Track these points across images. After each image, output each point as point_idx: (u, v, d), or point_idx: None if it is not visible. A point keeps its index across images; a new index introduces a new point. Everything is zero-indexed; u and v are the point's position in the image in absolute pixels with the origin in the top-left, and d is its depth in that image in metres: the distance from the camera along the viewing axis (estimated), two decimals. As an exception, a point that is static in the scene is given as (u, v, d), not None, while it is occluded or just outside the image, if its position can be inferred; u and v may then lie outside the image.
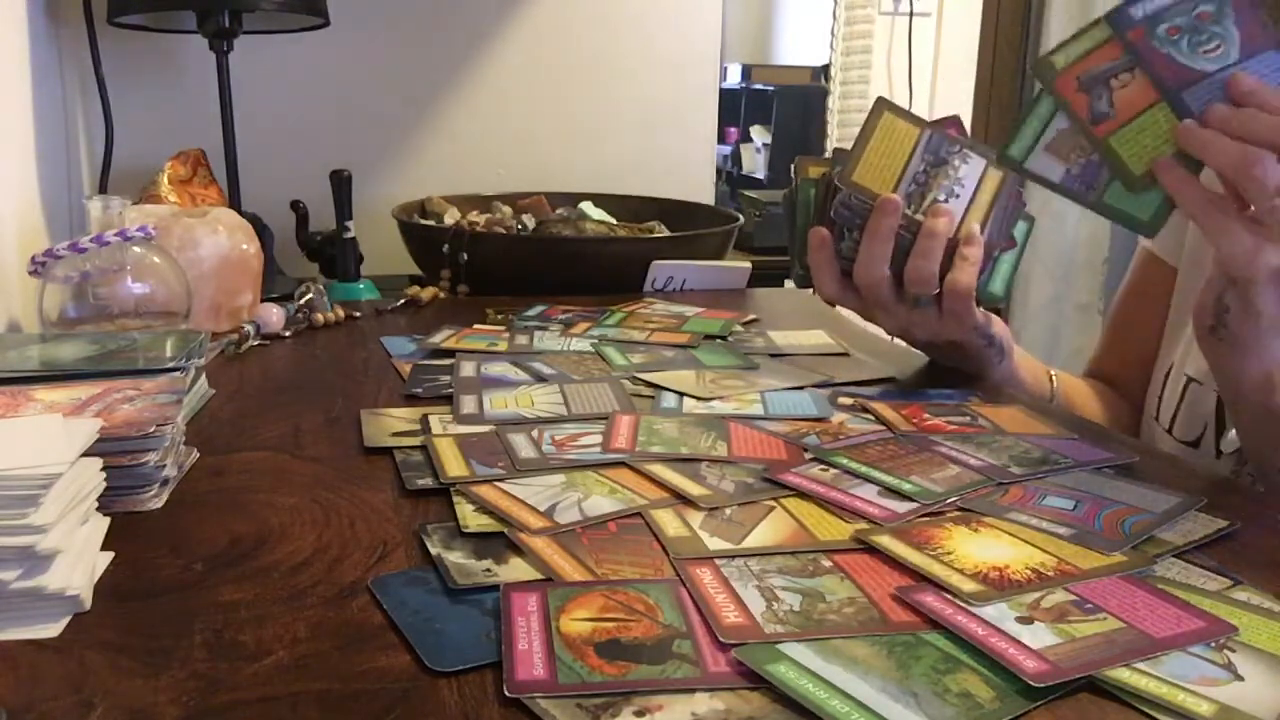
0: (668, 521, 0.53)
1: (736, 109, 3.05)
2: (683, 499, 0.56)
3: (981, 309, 0.79)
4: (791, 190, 0.82)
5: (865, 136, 0.72)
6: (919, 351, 0.89)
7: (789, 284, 1.95)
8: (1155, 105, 0.59)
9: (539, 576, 0.48)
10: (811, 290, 0.82)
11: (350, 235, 1.17)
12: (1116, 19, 0.59)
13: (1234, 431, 0.73)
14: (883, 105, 0.71)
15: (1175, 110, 0.59)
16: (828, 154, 0.95)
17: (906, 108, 0.73)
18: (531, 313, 1.02)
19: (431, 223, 1.26)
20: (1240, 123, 0.56)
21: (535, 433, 0.66)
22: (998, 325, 0.81)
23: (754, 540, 0.52)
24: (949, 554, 0.50)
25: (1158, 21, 0.59)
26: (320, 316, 0.97)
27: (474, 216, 1.27)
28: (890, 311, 0.77)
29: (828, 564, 0.49)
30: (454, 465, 0.60)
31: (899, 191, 0.72)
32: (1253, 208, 0.57)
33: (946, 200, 0.74)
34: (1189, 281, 0.85)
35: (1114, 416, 0.91)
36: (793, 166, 0.82)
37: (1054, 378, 0.89)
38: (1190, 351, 0.81)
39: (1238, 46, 0.58)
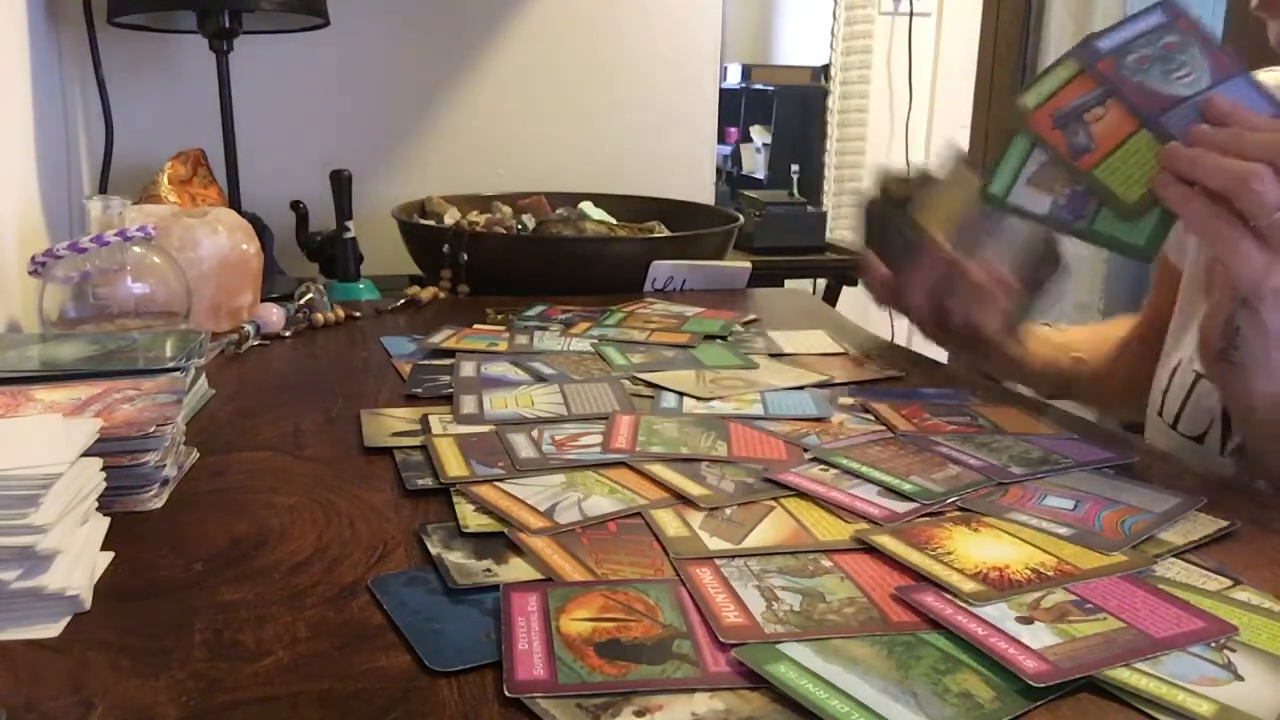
0: (668, 521, 0.53)
1: (736, 109, 3.05)
2: (683, 499, 0.56)
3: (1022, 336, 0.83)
4: (871, 202, 0.85)
5: (936, 182, 0.76)
6: (919, 352, 0.89)
7: (789, 284, 1.95)
8: (1135, 133, 0.59)
9: (539, 576, 0.48)
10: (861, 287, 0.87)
11: (350, 235, 1.17)
12: (1084, 53, 0.60)
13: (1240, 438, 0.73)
14: (957, 156, 0.75)
15: (1156, 135, 0.58)
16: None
17: (966, 154, 0.75)
18: (531, 313, 1.02)
19: (431, 223, 1.26)
20: (1229, 140, 0.56)
21: (535, 433, 0.66)
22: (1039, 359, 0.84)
23: (754, 540, 0.52)
24: (949, 554, 0.50)
25: (1125, 53, 0.59)
26: (320, 316, 0.97)
27: (474, 216, 1.27)
28: (929, 331, 0.83)
29: (828, 564, 0.49)
30: (454, 465, 0.60)
31: (951, 241, 0.75)
32: (1253, 224, 0.56)
33: (990, 238, 0.80)
34: (1194, 282, 0.85)
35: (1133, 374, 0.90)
36: (877, 177, 0.85)
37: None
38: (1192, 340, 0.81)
39: (1208, 73, 0.58)
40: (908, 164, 2.88)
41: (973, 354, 0.85)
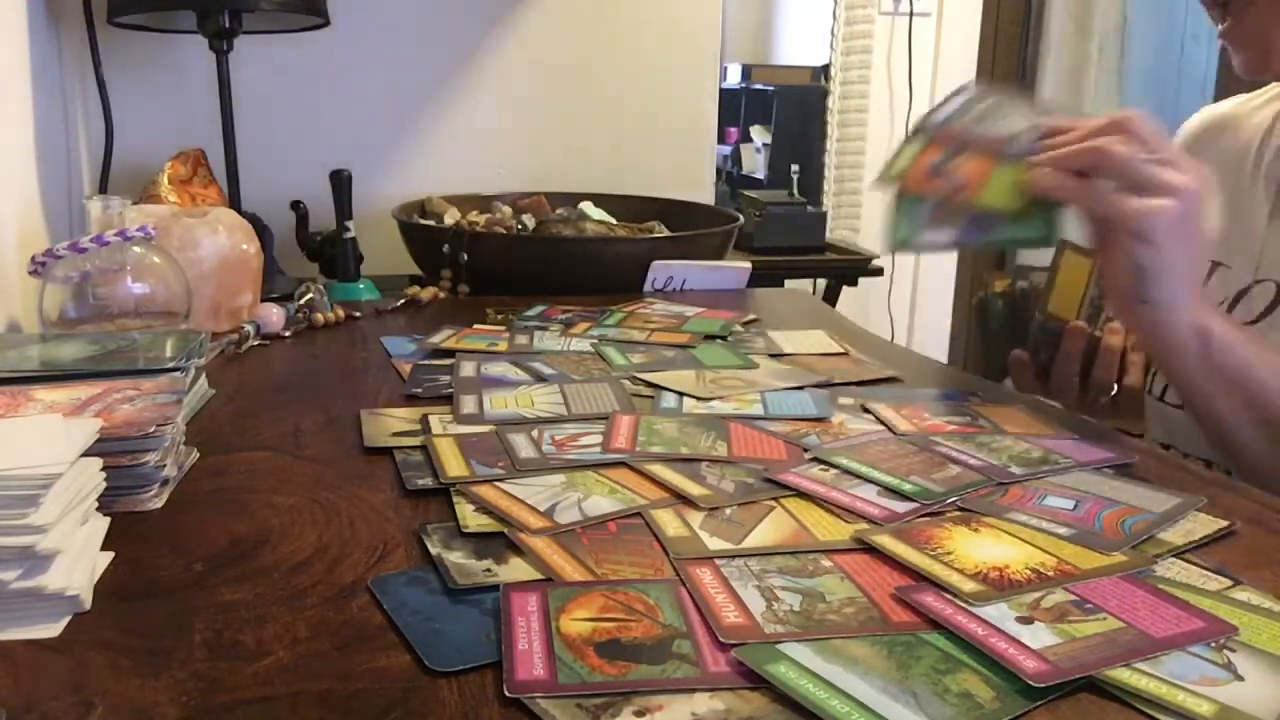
0: (668, 521, 0.53)
1: (736, 109, 3.05)
2: (683, 499, 0.56)
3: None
4: (982, 300, 0.93)
5: (1054, 272, 0.84)
6: (920, 352, 0.89)
7: (789, 284, 1.95)
8: (996, 165, 0.71)
9: (539, 576, 0.48)
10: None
11: (350, 235, 1.17)
12: (927, 127, 0.74)
13: None
14: (1065, 245, 0.82)
15: (1013, 159, 0.70)
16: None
17: (1074, 242, 0.83)
18: (531, 313, 1.02)
19: (431, 223, 1.26)
20: (1075, 135, 0.68)
21: (535, 433, 0.66)
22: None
23: (754, 540, 0.52)
24: (949, 554, 0.50)
25: (959, 118, 0.74)
26: (320, 316, 0.97)
27: (474, 216, 1.27)
28: (1079, 404, 0.87)
29: (828, 564, 0.49)
30: (454, 465, 0.60)
31: (1081, 316, 0.83)
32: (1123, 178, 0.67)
33: (1114, 319, 0.88)
34: None
35: None
36: (984, 281, 0.93)
37: None
38: None
39: (1024, 114, 0.73)
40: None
41: (1127, 415, 0.89)
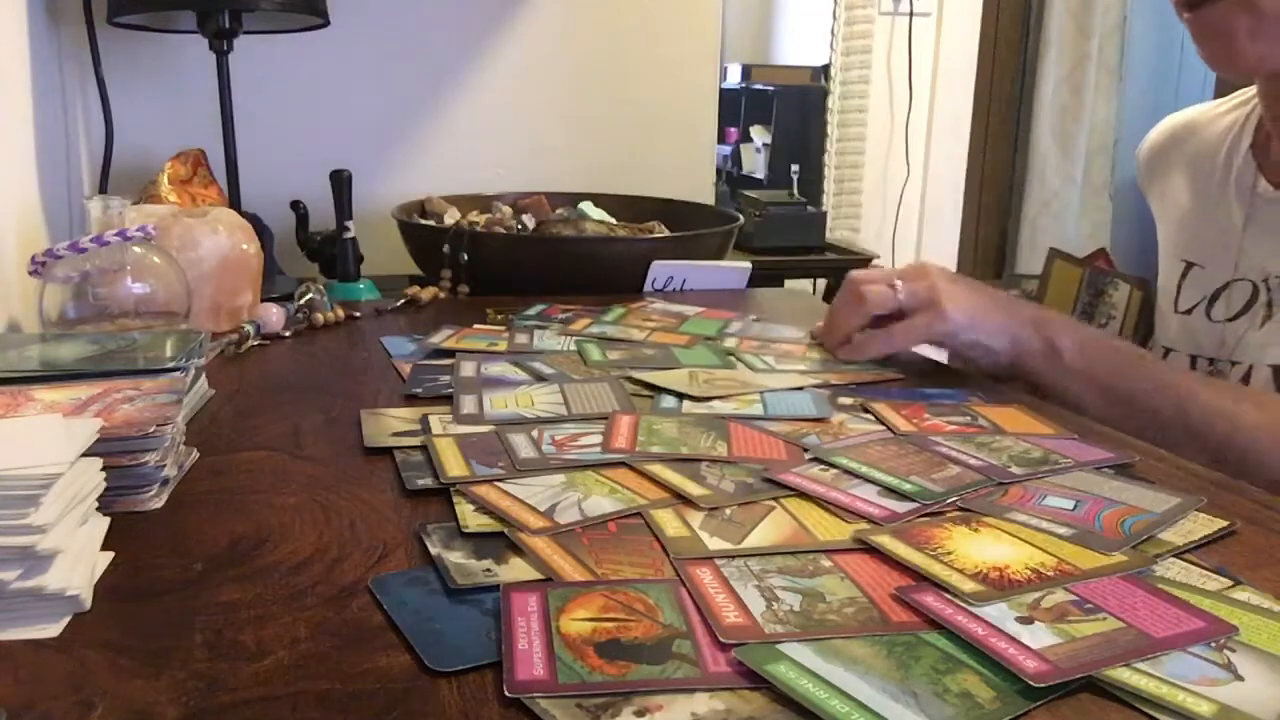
0: (668, 521, 0.53)
1: (736, 109, 3.05)
2: (683, 499, 0.56)
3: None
4: None
5: (1045, 281, 0.86)
6: (919, 352, 0.89)
7: (789, 284, 1.95)
8: None
9: (539, 576, 0.48)
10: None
11: (350, 235, 1.17)
12: None
13: None
14: (1055, 255, 0.85)
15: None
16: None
17: (1070, 253, 0.89)
18: (531, 312, 1.02)
19: (431, 223, 1.26)
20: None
21: (535, 433, 0.66)
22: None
23: (754, 540, 0.52)
24: (949, 554, 0.50)
25: None
26: (320, 316, 0.97)
27: (474, 216, 1.27)
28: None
29: (828, 564, 0.49)
30: (454, 465, 0.60)
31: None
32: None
33: (1107, 324, 0.92)
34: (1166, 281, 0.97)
35: None
36: None
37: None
38: (1164, 326, 0.95)
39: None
40: (907, 164, 2.88)
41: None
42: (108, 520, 0.50)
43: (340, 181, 1.16)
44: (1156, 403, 0.75)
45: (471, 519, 0.53)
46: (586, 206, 1.39)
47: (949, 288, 0.82)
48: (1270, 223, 0.86)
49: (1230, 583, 0.48)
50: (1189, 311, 0.92)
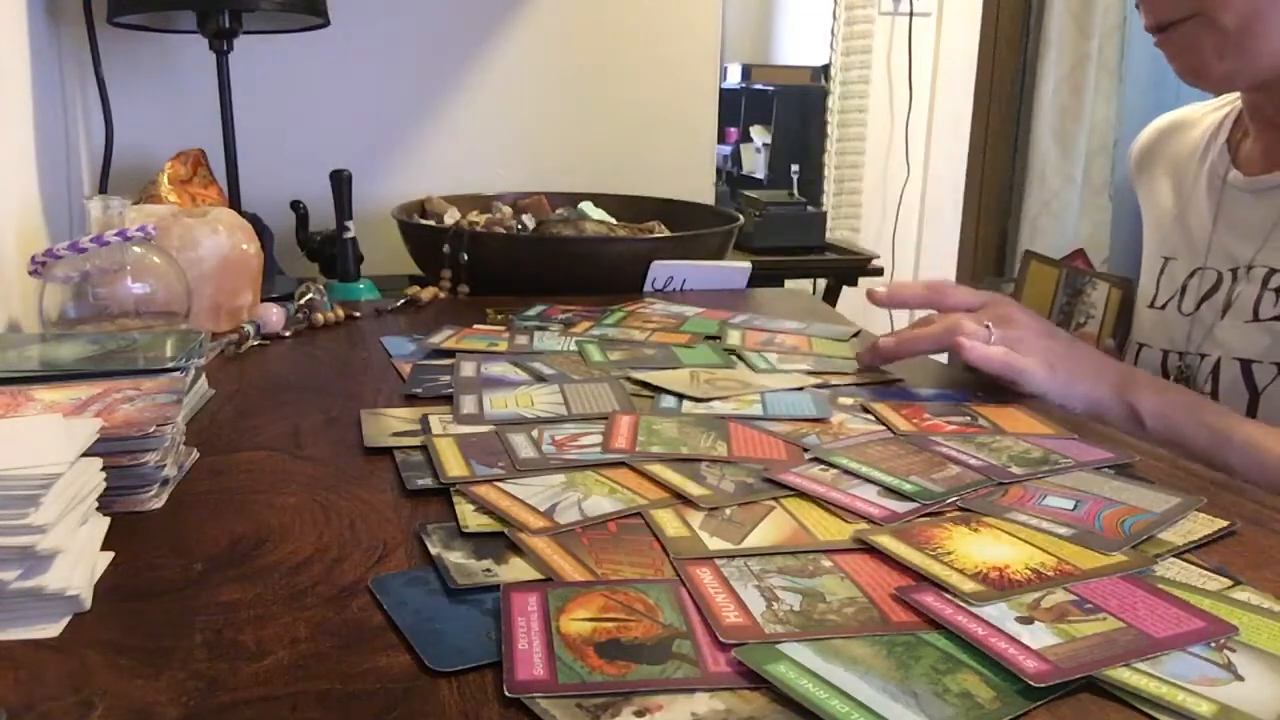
0: (668, 521, 0.53)
1: (736, 109, 3.04)
2: (683, 499, 0.56)
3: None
4: None
5: (1021, 283, 0.86)
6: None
7: (789, 284, 1.95)
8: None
9: (539, 576, 0.48)
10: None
11: (350, 235, 1.17)
12: None
13: None
14: (1031, 256, 0.84)
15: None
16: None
17: (1047, 255, 0.88)
18: (531, 313, 1.02)
19: (431, 223, 1.26)
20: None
21: (535, 433, 0.66)
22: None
23: (754, 540, 0.52)
24: (949, 554, 0.50)
25: None
26: (320, 316, 0.97)
27: (474, 216, 1.27)
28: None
29: (828, 564, 0.49)
30: (454, 465, 0.60)
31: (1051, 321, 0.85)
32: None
33: (1085, 324, 0.92)
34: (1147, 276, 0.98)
35: None
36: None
37: None
38: (1141, 323, 0.96)
39: None
40: (907, 164, 2.88)
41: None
42: (108, 520, 0.50)
43: (340, 181, 1.16)
44: (1233, 464, 0.73)
45: (471, 519, 0.53)
46: (586, 206, 1.39)
47: (1035, 341, 0.78)
48: (1239, 210, 0.87)
49: (1230, 583, 0.48)
50: (1163, 306, 0.93)
